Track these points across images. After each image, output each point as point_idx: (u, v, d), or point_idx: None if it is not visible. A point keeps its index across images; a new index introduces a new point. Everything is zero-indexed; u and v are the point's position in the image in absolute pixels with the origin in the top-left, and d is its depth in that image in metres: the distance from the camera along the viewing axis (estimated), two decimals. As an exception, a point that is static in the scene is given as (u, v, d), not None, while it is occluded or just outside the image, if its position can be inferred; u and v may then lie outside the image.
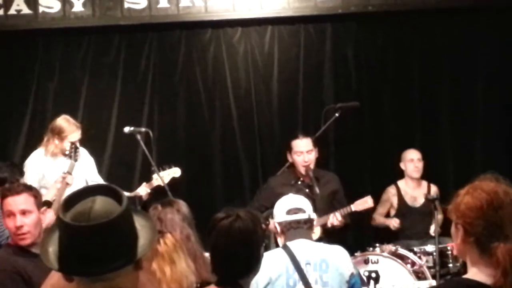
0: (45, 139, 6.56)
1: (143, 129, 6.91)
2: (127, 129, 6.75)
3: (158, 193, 6.50)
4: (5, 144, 7.52)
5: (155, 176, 6.58)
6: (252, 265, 3.17)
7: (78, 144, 6.46)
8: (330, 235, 6.21)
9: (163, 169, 6.64)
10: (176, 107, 7.61)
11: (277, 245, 6.13)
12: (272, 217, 6.15)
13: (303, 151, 6.48)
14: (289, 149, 6.58)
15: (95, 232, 2.04)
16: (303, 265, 4.29)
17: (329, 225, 6.27)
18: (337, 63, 7.69)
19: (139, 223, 2.17)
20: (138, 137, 6.80)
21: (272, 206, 6.28)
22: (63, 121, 6.51)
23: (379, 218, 7.10)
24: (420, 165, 7.04)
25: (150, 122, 7.46)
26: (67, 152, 6.28)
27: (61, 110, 7.42)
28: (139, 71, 7.60)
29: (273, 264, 4.28)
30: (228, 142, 7.62)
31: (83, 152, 6.68)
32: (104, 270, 2.07)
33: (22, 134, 7.51)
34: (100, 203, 2.09)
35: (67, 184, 6.07)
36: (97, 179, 6.82)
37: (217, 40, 7.63)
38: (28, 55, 7.54)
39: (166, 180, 6.59)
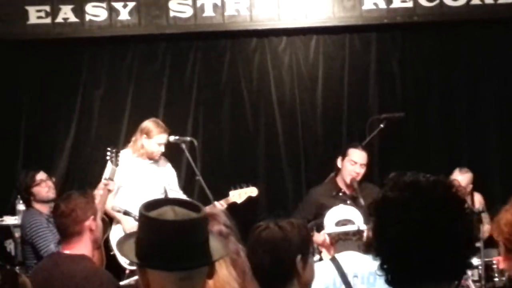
0: (133, 139, 6.80)
1: (188, 138, 6.96)
2: (172, 138, 6.82)
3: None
4: (51, 152, 7.58)
5: (232, 193, 6.68)
6: (286, 275, 3.05)
7: (163, 148, 6.70)
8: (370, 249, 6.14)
9: (240, 187, 6.74)
10: (221, 116, 7.62)
11: (321, 258, 6.14)
12: (316, 229, 6.16)
13: (358, 162, 6.44)
14: (343, 154, 6.52)
15: (182, 228, 2.14)
16: (350, 278, 4.25)
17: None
18: (382, 73, 7.64)
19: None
20: (183, 146, 6.86)
21: (314, 218, 6.30)
22: (152, 122, 6.75)
23: None
24: (465, 177, 6.92)
25: (195, 131, 7.48)
26: (107, 158, 6.36)
27: (107, 117, 7.56)
28: (184, 80, 7.62)
29: (320, 277, 4.22)
30: (272, 151, 7.61)
31: (165, 163, 6.84)
32: (190, 265, 2.16)
33: (68, 142, 7.57)
34: (179, 209, 2.18)
35: (109, 190, 6.19)
36: (177, 190, 6.94)
37: (262, 49, 7.62)
38: (74, 63, 7.60)
39: (243, 199, 6.69)
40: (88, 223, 4.13)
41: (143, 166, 6.78)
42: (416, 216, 1.89)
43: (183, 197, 6.96)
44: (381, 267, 1.97)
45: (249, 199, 7.01)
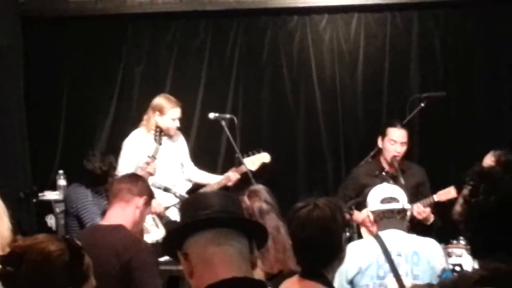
0: (145, 117, 6.65)
1: (227, 116, 6.91)
2: (212, 115, 6.77)
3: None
4: (92, 128, 7.66)
5: (245, 161, 6.55)
6: (333, 254, 3.15)
7: (178, 123, 6.57)
8: (414, 229, 6.12)
9: (252, 154, 6.63)
10: (261, 94, 7.61)
11: (359, 236, 6.13)
12: (356, 208, 6.16)
13: (397, 141, 6.38)
14: (383, 134, 6.47)
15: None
16: (394, 256, 4.23)
17: (414, 213, 6.13)
18: (423, 51, 7.55)
19: None
20: (223, 123, 6.81)
21: (356, 196, 6.29)
22: (163, 98, 6.63)
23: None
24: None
25: (235, 108, 7.48)
26: (151, 135, 6.34)
27: (147, 94, 7.54)
28: (225, 57, 7.62)
29: (364, 254, 4.24)
30: (312, 129, 7.58)
31: (179, 135, 6.79)
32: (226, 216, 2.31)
33: (109, 118, 7.65)
34: None
35: (150, 174, 6.07)
36: (188, 164, 6.90)
37: (303, 27, 7.58)
38: (115, 39, 7.65)
39: (256, 166, 6.60)
40: (140, 199, 4.23)
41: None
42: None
43: (194, 169, 6.96)
44: (466, 235, 2.18)
45: (290, 176, 7.01)
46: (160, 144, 6.30)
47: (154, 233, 6.43)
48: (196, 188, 6.68)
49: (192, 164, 6.96)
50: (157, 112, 6.54)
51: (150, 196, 4.37)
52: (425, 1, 7.43)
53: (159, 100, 6.60)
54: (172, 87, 7.55)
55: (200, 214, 2.21)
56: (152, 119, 6.55)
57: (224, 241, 2.18)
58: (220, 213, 2.22)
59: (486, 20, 7.47)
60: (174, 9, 7.48)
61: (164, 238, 2.38)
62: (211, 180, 6.76)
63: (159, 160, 6.47)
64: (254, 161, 6.62)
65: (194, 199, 2.39)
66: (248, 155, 6.63)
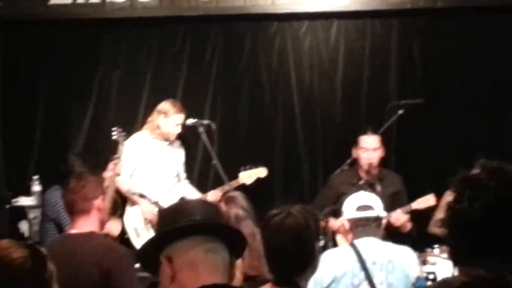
0: (149, 119, 6.81)
1: (205, 122, 6.96)
2: (189, 121, 6.84)
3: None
4: (69, 133, 7.59)
5: (241, 174, 6.62)
6: (306, 262, 3.14)
7: (180, 129, 6.70)
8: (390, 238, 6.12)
9: (249, 168, 6.68)
10: (240, 100, 7.59)
11: (335, 244, 6.13)
12: (332, 215, 6.16)
13: (369, 148, 6.41)
14: (356, 144, 6.51)
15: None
16: (369, 265, 4.25)
17: (392, 220, 6.13)
18: (402, 59, 7.56)
19: None
20: (201, 129, 6.87)
21: (333, 204, 6.29)
22: (169, 103, 6.78)
23: (435, 229, 6.58)
24: None
25: (213, 114, 7.45)
26: (114, 136, 6.33)
27: (125, 99, 7.57)
28: (204, 63, 7.59)
29: (339, 262, 4.25)
30: (289, 135, 7.57)
31: (179, 146, 6.92)
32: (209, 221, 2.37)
33: (86, 123, 7.58)
34: None
35: (117, 174, 6.14)
36: (181, 175, 6.98)
37: (282, 33, 7.57)
38: (94, 44, 7.60)
39: (252, 180, 6.64)
40: (97, 202, 4.14)
41: (159, 148, 6.78)
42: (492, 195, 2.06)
43: (186, 182, 6.98)
44: (449, 241, 2.13)
45: (267, 184, 7.00)
46: (123, 145, 6.31)
47: (144, 237, 6.44)
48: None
49: (184, 176, 7.02)
50: (162, 115, 6.70)
51: (103, 190, 4.30)
52: (405, 9, 7.42)
53: (165, 104, 6.77)
54: (150, 92, 7.52)
55: (185, 220, 2.23)
56: (156, 121, 6.72)
57: (211, 249, 2.21)
58: (205, 220, 2.24)
59: (465, 29, 7.50)
60: (153, 14, 7.43)
61: (146, 243, 2.34)
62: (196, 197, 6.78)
63: (156, 163, 6.62)
64: (251, 175, 6.68)
65: (178, 206, 2.43)
66: (246, 169, 6.66)
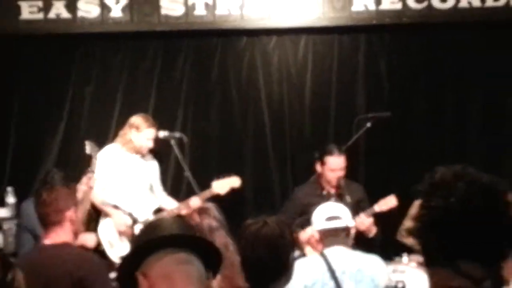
0: (121, 133, 6.84)
1: (177, 134, 7.02)
2: (161, 134, 6.88)
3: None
4: (42, 145, 7.62)
5: (215, 184, 6.62)
6: (281, 271, 3.21)
7: (151, 143, 6.76)
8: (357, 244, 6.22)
9: (222, 178, 6.67)
10: (210, 114, 7.68)
11: (304, 256, 6.19)
12: (301, 228, 6.23)
13: (337, 169, 6.50)
14: (322, 162, 6.59)
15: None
16: (339, 274, 4.32)
17: (356, 224, 6.18)
18: (370, 73, 7.69)
19: None
20: (172, 142, 6.92)
21: (299, 216, 6.38)
22: (141, 117, 6.83)
23: (404, 238, 6.69)
24: None
25: (184, 128, 7.52)
26: (87, 149, 6.35)
27: (97, 114, 7.59)
28: (175, 77, 7.67)
29: (309, 272, 4.32)
30: (259, 149, 7.66)
31: (152, 159, 6.98)
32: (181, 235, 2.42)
33: (58, 136, 7.60)
34: None
35: (91, 188, 6.07)
36: (157, 188, 7.03)
37: (252, 48, 7.68)
38: (65, 59, 7.63)
39: (225, 190, 6.64)
40: (69, 213, 4.11)
41: (131, 161, 6.83)
42: (461, 198, 2.00)
43: (164, 194, 7.05)
44: (422, 247, 2.06)
45: (238, 196, 7.07)
46: (96, 158, 6.35)
47: (118, 248, 6.48)
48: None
49: (161, 188, 7.08)
50: (134, 129, 6.75)
51: (76, 201, 4.25)
52: (371, 25, 7.56)
53: (137, 118, 6.81)
54: (122, 106, 7.58)
55: (158, 235, 2.26)
56: (128, 135, 6.76)
57: (184, 260, 2.24)
58: (177, 233, 2.28)
59: (429, 44, 7.65)
60: (124, 29, 7.49)
61: (122, 262, 2.38)
62: (173, 206, 6.82)
63: (128, 176, 6.68)
64: (224, 185, 6.67)
65: (151, 223, 2.47)
66: (218, 178, 6.69)
